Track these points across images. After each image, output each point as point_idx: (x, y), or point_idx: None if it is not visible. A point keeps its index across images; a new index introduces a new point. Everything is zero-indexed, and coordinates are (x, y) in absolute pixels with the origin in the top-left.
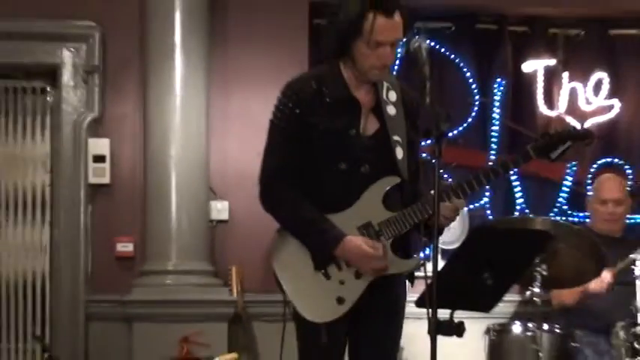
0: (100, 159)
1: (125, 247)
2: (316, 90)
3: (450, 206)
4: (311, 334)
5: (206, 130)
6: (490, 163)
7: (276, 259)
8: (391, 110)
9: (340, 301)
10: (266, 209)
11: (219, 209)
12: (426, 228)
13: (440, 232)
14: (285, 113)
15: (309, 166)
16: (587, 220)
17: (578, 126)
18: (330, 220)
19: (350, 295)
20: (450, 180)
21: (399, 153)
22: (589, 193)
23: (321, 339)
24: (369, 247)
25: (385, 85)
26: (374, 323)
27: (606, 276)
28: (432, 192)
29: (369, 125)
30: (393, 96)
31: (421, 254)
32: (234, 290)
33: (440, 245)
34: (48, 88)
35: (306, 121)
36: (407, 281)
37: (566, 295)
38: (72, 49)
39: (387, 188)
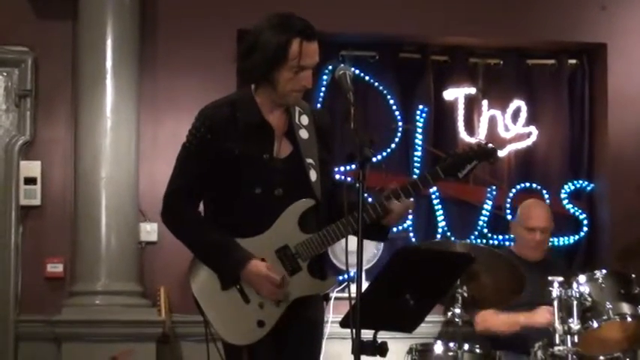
0: (31, 181)
1: (55, 267)
2: (229, 115)
3: (401, 205)
4: (234, 356)
5: (136, 154)
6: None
7: (195, 284)
8: (303, 134)
9: (260, 324)
10: (168, 227)
11: (149, 231)
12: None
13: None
14: (197, 138)
15: (224, 191)
16: (510, 243)
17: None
18: (234, 241)
19: (269, 319)
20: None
21: (313, 175)
22: (509, 217)
23: None
24: (270, 273)
25: (297, 109)
26: (294, 345)
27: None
28: (356, 212)
29: (283, 149)
30: (304, 120)
31: (345, 275)
32: (162, 311)
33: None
34: None
35: (219, 146)
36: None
37: (497, 324)
38: (4, 74)
39: (303, 210)
